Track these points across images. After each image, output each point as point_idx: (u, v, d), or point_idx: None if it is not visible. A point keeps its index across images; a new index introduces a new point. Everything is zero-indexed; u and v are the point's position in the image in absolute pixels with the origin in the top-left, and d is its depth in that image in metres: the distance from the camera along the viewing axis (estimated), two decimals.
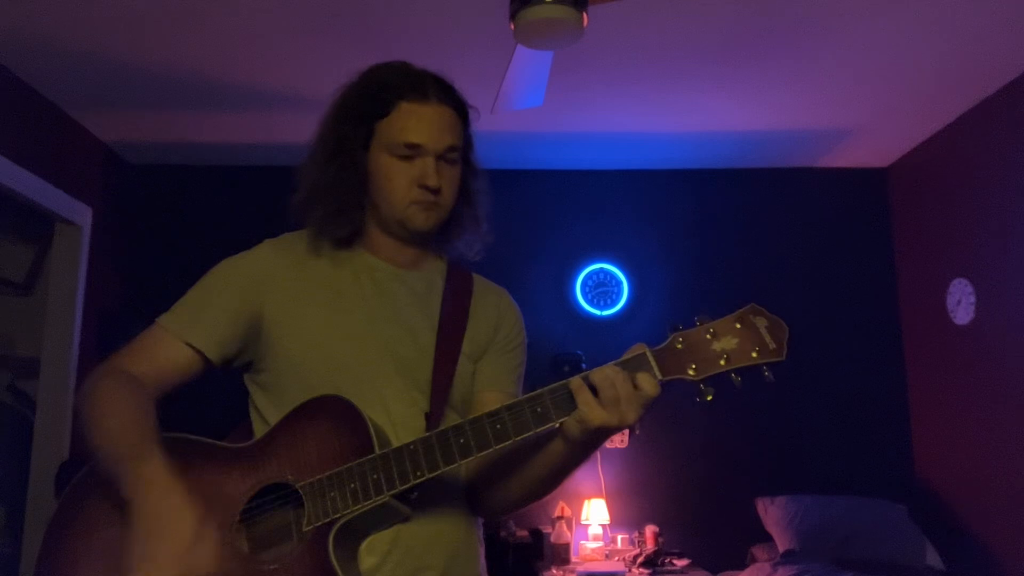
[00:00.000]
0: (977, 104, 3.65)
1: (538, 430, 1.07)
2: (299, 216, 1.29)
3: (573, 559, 3.80)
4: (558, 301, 4.33)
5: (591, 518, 3.94)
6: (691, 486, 4.14)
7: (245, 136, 3.98)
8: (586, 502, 3.98)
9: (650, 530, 3.87)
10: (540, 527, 3.91)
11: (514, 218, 4.34)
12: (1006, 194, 3.47)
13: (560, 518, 3.89)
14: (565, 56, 2.90)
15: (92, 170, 3.94)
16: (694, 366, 1.07)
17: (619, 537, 3.97)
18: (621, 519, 4.06)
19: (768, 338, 1.08)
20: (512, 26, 2.23)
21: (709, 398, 1.08)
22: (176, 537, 1.02)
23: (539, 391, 1.08)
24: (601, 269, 4.36)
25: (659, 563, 3.68)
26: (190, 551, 1.02)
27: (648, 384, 1.05)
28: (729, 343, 1.08)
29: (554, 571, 3.63)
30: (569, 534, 3.85)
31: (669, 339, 1.08)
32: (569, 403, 1.06)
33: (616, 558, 3.82)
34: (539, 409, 1.07)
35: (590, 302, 4.33)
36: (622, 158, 4.32)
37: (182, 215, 4.32)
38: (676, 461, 4.16)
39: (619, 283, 4.34)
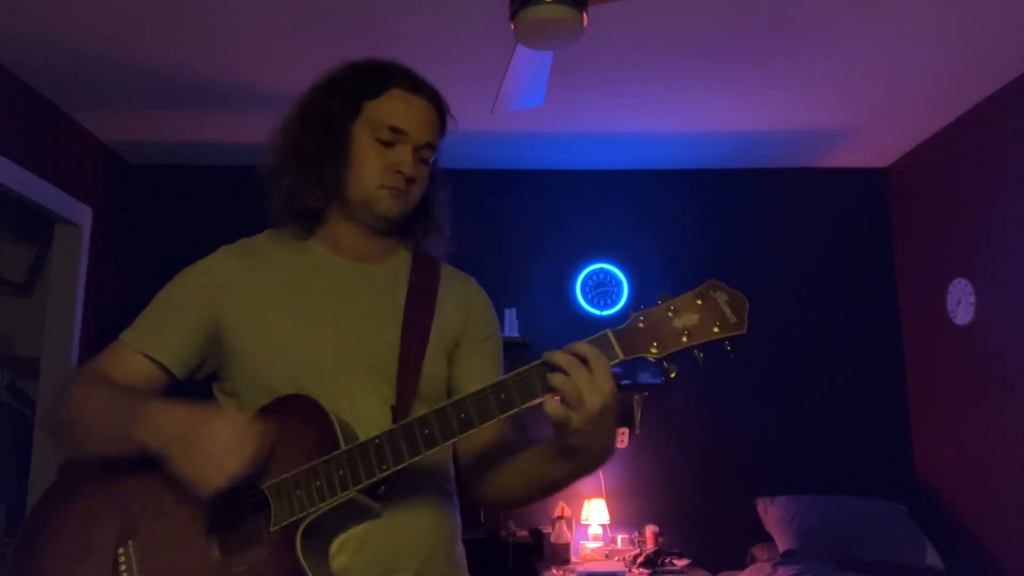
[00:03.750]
0: (977, 104, 3.65)
1: (502, 416, 1.07)
2: (265, 186, 1.29)
3: (573, 559, 3.80)
4: (558, 301, 4.33)
5: (591, 518, 3.94)
6: (691, 486, 4.14)
7: (245, 136, 3.97)
8: (586, 502, 3.98)
9: (650, 530, 3.87)
10: (540, 527, 3.91)
11: (514, 218, 4.34)
12: (1006, 194, 3.47)
13: (560, 518, 3.89)
14: (565, 56, 2.90)
15: (92, 170, 3.94)
16: (656, 344, 1.06)
17: (619, 537, 3.97)
18: (621, 519, 4.06)
19: (729, 312, 1.07)
20: (512, 26, 2.23)
21: (672, 375, 1.07)
22: (220, 435, 1.05)
23: (503, 378, 1.07)
24: (601, 269, 4.36)
25: (659, 563, 3.68)
26: (242, 439, 1.05)
27: (588, 350, 1.03)
28: (690, 319, 1.07)
29: (554, 571, 3.63)
30: (569, 534, 3.85)
31: (631, 318, 1.08)
32: (532, 388, 1.05)
33: (616, 558, 3.82)
34: (503, 396, 1.06)
35: (590, 302, 4.33)
36: (622, 158, 4.32)
37: (182, 215, 4.32)
38: (676, 461, 4.16)
39: (619, 283, 4.35)
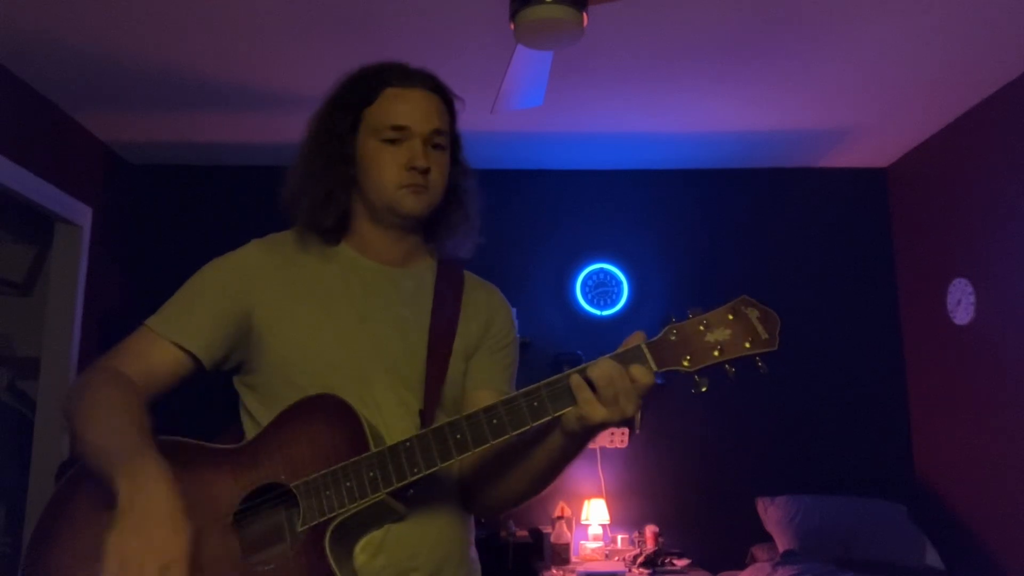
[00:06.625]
0: (977, 104, 3.65)
1: (535, 424, 1.07)
2: (287, 208, 1.29)
3: (573, 559, 3.80)
4: (558, 301, 4.33)
5: (591, 518, 3.94)
6: (691, 486, 4.14)
7: (245, 136, 3.98)
8: (586, 502, 3.98)
9: (650, 530, 3.87)
10: (540, 527, 3.91)
11: (514, 218, 4.35)
12: (1006, 194, 3.47)
13: (560, 518, 3.89)
14: (565, 56, 2.90)
15: (92, 170, 3.94)
16: (688, 357, 1.08)
17: (619, 537, 3.97)
18: (621, 519, 4.06)
19: (760, 328, 1.08)
20: (512, 26, 2.23)
21: (704, 389, 1.08)
22: (157, 532, 0.97)
23: (535, 385, 1.08)
24: (601, 269, 4.36)
25: (659, 563, 3.68)
26: (167, 548, 0.96)
27: (643, 375, 1.05)
28: (722, 334, 1.08)
29: (554, 571, 3.63)
30: (569, 534, 3.85)
31: (663, 331, 1.09)
32: (566, 397, 1.07)
33: (616, 558, 3.82)
34: (535, 403, 1.07)
35: (590, 302, 4.33)
36: (622, 158, 4.32)
37: (182, 215, 4.32)
38: (676, 461, 4.16)
39: (619, 283, 4.35)
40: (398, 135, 1.24)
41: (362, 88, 1.28)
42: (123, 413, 1.11)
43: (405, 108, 1.25)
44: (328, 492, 1.09)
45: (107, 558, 0.96)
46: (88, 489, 1.16)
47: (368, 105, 1.26)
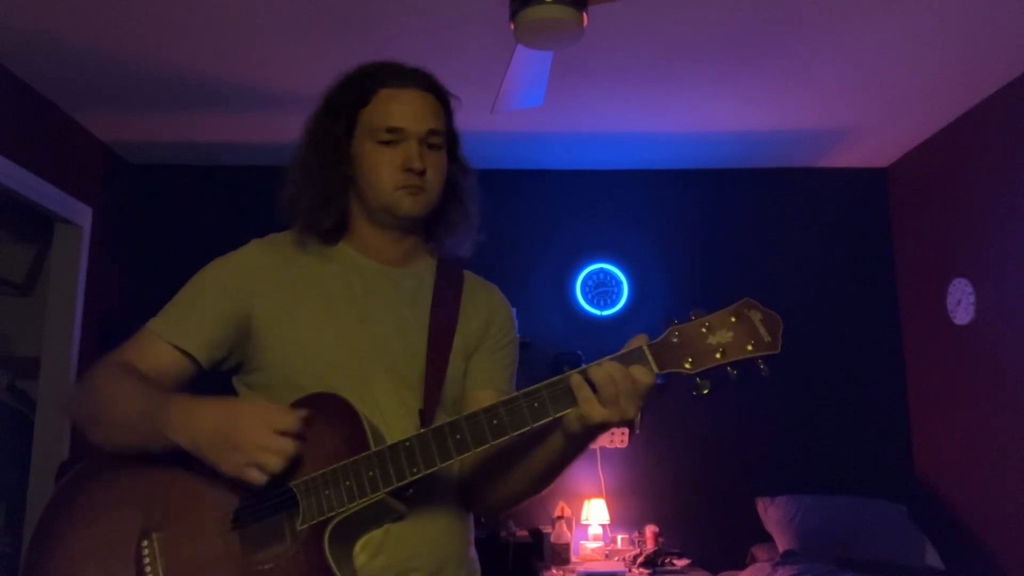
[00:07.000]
0: (977, 104, 3.65)
1: (535, 425, 1.07)
2: (286, 210, 1.30)
3: (573, 559, 3.80)
4: (558, 301, 4.33)
5: (591, 518, 3.94)
6: (691, 486, 4.14)
7: (245, 136, 3.98)
8: (586, 502, 3.98)
9: (650, 530, 3.87)
10: (540, 527, 3.91)
11: (514, 218, 4.35)
12: (1006, 194, 3.47)
13: (560, 518, 3.89)
14: (565, 56, 2.90)
15: (92, 170, 3.94)
16: (690, 359, 1.07)
17: (619, 537, 3.97)
18: (621, 519, 4.06)
19: (763, 331, 1.08)
20: (512, 26, 2.23)
21: (705, 391, 1.08)
22: (255, 419, 1.07)
23: (536, 386, 1.08)
24: (601, 269, 4.36)
25: (659, 563, 3.68)
26: (273, 423, 1.07)
27: (644, 376, 1.05)
28: (724, 336, 1.08)
29: (554, 571, 3.63)
30: (569, 534, 3.85)
31: (665, 333, 1.09)
32: (566, 397, 1.06)
33: (616, 558, 3.82)
34: (536, 404, 1.07)
35: (590, 302, 4.33)
36: (622, 158, 4.32)
37: (182, 215, 4.32)
38: (676, 461, 4.16)
39: (619, 283, 4.35)
40: (394, 136, 1.24)
41: (357, 89, 1.28)
42: (146, 386, 1.16)
43: (400, 109, 1.25)
44: (327, 491, 1.09)
45: (238, 469, 1.06)
46: (88, 489, 1.17)
47: (363, 106, 1.26)
